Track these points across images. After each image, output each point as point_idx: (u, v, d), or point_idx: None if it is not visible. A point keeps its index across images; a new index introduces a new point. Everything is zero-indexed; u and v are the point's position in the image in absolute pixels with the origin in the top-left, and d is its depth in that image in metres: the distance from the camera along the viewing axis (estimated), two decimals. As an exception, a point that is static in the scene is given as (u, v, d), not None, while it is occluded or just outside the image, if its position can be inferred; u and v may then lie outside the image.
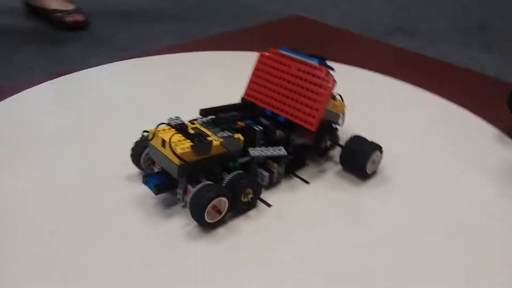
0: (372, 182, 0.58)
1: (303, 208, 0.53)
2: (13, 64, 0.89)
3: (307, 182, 0.56)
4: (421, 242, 0.49)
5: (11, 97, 0.75)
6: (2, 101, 0.73)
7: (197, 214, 0.47)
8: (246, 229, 0.50)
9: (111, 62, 0.89)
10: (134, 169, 0.58)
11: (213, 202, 0.47)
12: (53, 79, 0.82)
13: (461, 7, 1.38)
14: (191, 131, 0.51)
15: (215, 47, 0.99)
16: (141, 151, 0.55)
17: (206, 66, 0.89)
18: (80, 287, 0.41)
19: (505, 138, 0.67)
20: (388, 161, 0.62)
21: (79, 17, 1.07)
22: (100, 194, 0.54)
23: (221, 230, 0.49)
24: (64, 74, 0.83)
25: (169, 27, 1.13)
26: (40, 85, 0.80)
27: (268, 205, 0.54)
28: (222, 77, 0.84)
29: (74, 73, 0.85)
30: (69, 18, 1.06)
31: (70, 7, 1.09)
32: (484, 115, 0.73)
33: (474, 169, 0.59)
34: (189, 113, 0.59)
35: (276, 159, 0.55)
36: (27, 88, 0.78)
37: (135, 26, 1.14)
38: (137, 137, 0.59)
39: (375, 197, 0.55)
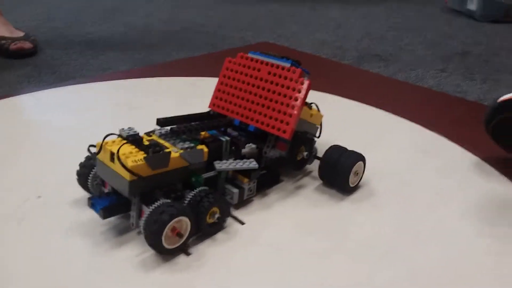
0: (356, 196, 0.54)
1: (280, 230, 0.48)
2: None
3: (241, 223, 0.49)
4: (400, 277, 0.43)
5: None
6: None
7: (153, 239, 0.42)
8: (213, 256, 0.44)
9: (50, 89, 0.84)
10: (82, 193, 0.52)
11: (172, 223, 0.42)
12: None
13: (441, 34, 1.41)
14: (146, 143, 0.46)
15: (172, 73, 0.96)
16: (88, 172, 0.49)
17: (156, 92, 0.85)
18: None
19: (485, 165, 0.63)
20: (371, 175, 0.58)
21: (26, 45, 1.04)
22: (40, 222, 0.48)
23: (182, 258, 0.44)
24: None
25: (126, 55, 1.10)
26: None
27: (241, 222, 0.48)
28: (171, 104, 0.80)
29: (6, 98, 0.79)
30: (14, 46, 1.03)
31: (18, 34, 1.07)
32: (463, 141, 0.70)
33: (453, 201, 0.55)
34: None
35: (247, 173, 0.50)
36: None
37: (90, 54, 1.11)
38: (79, 159, 0.53)
39: (360, 215, 0.51)
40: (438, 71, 1.07)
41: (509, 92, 0.63)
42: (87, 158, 0.50)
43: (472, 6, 1.60)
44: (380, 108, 0.82)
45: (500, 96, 0.62)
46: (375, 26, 1.51)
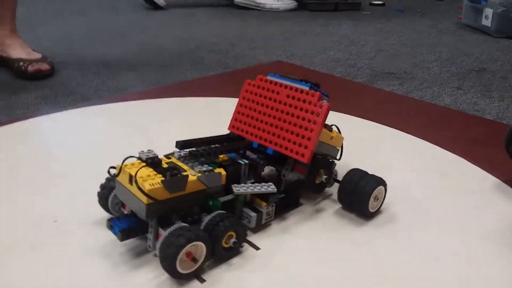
0: (376, 221, 0.53)
1: (298, 255, 0.48)
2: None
3: (256, 248, 0.48)
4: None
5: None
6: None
7: (168, 263, 0.41)
8: (228, 281, 0.44)
9: (66, 110, 0.85)
10: (102, 214, 0.52)
11: (187, 248, 0.42)
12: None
13: (456, 51, 1.41)
14: (165, 165, 0.46)
15: (187, 93, 0.96)
16: (109, 193, 0.49)
17: (172, 113, 0.85)
18: None
19: (506, 188, 0.62)
20: (390, 198, 0.57)
21: (44, 66, 1.06)
22: (60, 243, 0.48)
23: (197, 283, 0.43)
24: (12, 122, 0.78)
25: (141, 75, 1.11)
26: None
27: (256, 247, 0.48)
28: (187, 125, 0.80)
29: (23, 120, 0.80)
30: (32, 67, 1.05)
31: (36, 56, 1.09)
32: (483, 162, 0.69)
33: (473, 225, 0.54)
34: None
35: (265, 197, 0.50)
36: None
37: (105, 75, 1.12)
38: (96, 181, 0.53)
39: (378, 241, 0.50)
40: (454, 88, 1.07)
41: None
42: (107, 179, 0.51)
43: (487, 22, 1.60)
44: (396, 128, 0.81)
45: None
46: (388, 42, 1.52)
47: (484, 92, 1.04)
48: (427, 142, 0.76)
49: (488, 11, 1.58)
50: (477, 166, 0.68)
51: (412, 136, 0.78)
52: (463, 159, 0.70)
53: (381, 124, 0.82)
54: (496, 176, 0.65)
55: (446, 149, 0.73)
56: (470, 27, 1.73)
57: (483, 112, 0.92)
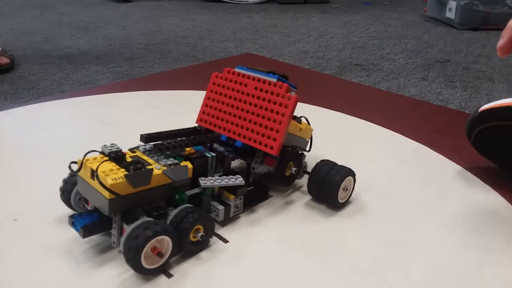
0: (344, 211, 0.53)
1: (267, 247, 0.47)
2: None
3: (225, 241, 0.47)
4: None
5: None
6: None
7: (132, 258, 0.40)
8: (196, 276, 0.43)
9: (26, 105, 0.81)
10: (65, 210, 0.50)
11: (152, 242, 0.40)
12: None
13: (422, 43, 1.43)
14: (129, 160, 0.44)
15: (154, 86, 0.94)
16: (72, 188, 0.48)
17: (138, 107, 0.82)
18: None
19: (469, 175, 0.63)
20: (358, 188, 0.57)
21: (3, 60, 1.02)
22: (20, 242, 0.46)
23: (164, 278, 0.42)
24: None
25: (106, 69, 1.08)
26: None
27: (225, 241, 0.47)
28: (154, 118, 0.78)
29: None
30: None
31: None
32: (446, 150, 0.70)
33: (438, 212, 0.54)
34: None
35: (233, 189, 0.49)
36: None
37: (69, 68, 1.08)
38: (58, 177, 0.51)
39: (348, 231, 0.50)
40: (419, 79, 1.08)
41: (489, 100, 0.63)
42: (70, 174, 0.49)
43: (451, 14, 1.63)
44: (363, 118, 0.81)
45: (481, 105, 0.62)
46: (356, 35, 1.53)
47: (448, 83, 1.06)
48: (393, 132, 0.76)
49: (452, 4, 1.61)
50: (441, 154, 0.69)
51: (379, 126, 0.78)
52: (427, 148, 0.71)
53: (349, 115, 0.83)
54: (458, 164, 0.66)
55: (411, 139, 0.74)
56: (434, 20, 1.77)
57: (447, 102, 0.94)
